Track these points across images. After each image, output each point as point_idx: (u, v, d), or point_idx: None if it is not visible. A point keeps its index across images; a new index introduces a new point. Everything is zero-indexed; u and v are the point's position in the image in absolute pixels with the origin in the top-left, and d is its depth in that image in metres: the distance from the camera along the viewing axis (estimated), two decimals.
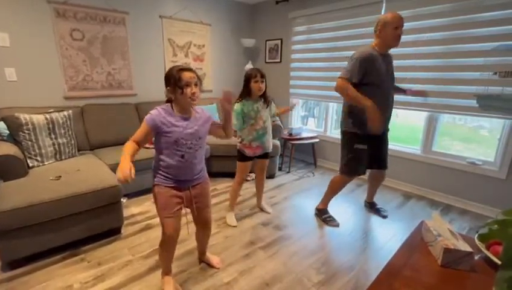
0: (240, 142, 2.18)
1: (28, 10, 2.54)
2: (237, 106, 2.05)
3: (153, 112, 1.34)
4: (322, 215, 2.42)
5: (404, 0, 2.75)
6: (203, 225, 1.67)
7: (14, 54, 2.52)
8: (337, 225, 2.32)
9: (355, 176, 2.25)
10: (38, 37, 2.62)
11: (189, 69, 1.34)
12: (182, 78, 1.30)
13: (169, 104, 1.39)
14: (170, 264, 1.60)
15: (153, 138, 1.39)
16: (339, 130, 2.30)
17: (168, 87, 1.34)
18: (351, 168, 2.21)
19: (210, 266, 1.79)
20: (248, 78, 2.02)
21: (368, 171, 2.38)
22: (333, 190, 2.37)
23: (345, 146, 2.22)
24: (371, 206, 2.62)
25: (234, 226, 2.26)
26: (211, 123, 1.52)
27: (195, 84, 1.34)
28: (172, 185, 1.43)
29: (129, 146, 1.30)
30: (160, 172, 1.42)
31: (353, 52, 2.07)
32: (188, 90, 1.31)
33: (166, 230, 1.44)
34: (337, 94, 2.31)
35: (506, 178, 2.40)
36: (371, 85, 2.00)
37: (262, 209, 2.54)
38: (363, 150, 2.15)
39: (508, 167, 2.38)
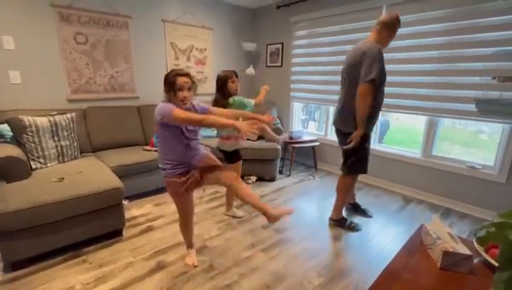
0: (220, 139, 2.21)
1: (33, 14, 2.57)
2: (237, 99, 2.10)
3: (167, 104, 1.47)
4: (345, 223, 2.31)
5: (404, 5, 2.78)
6: (231, 184, 1.59)
7: (18, 57, 2.55)
8: (361, 228, 2.31)
9: (361, 173, 2.21)
10: (43, 40, 2.65)
11: (185, 74, 1.50)
12: (176, 82, 1.46)
13: (170, 102, 1.53)
14: (190, 239, 1.88)
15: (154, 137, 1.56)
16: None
17: (165, 88, 1.51)
18: (361, 167, 2.17)
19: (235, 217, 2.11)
20: (225, 80, 2.06)
21: None
22: (346, 194, 2.28)
23: (355, 146, 2.09)
24: (355, 208, 2.60)
25: (241, 217, 2.42)
26: (208, 111, 1.68)
27: (189, 89, 1.50)
28: (179, 173, 1.58)
29: (218, 116, 1.63)
30: (166, 163, 1.59)
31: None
32: (180, 94, 1.48)
33: (179, 211, 1.75)
34: (337, 98, 2.32)
35: (506, 182, 2.41)
36: (379, 84, 1.91)
37: (233, 216, 2.45)
38: (368, 149, 2.17)
39: (507, 171, 2.40)
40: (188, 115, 1.45)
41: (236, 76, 2.12)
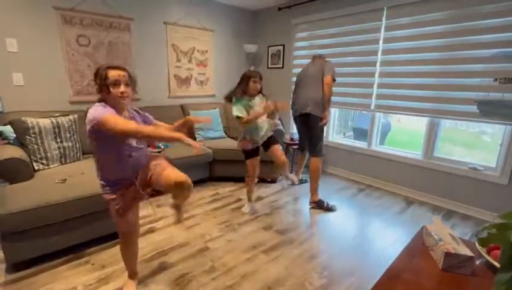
0: (239, 141, 2.43)
1: (36, 16, 2.59)
2: (235, 102, 2.24)
3: (97, 107, 1.23)
4: (323, 204, 2.66)
5: (404, 7, 2.79)
6: (176, 183, 1.35)
7: (21, 59, 2.57)
8: (336, 209, 2.66)
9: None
10: (45, 42, 2.68)
11: (119, 67, 1.28)
12: (108, 76, 1.24)
13: (102, 104, 1.28)
14: (134, 265, 1.60)
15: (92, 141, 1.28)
16: (341, 135, 2.42)
17: (96, 86, 1.28)
18: (323, 149, 2.69)
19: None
20: (248, 77, 2.23)
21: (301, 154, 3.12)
22: (319, 176, 2.69)
23: (321, 132, 2.64)
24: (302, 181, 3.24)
25: (245, 213, 2.53)
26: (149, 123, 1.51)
27: (126, 84, 1.29)
28: (119, 187, 1.36)
29: (148, 127, 1.36)
30: (104, 178, 1.36)
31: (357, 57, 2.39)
32: (115, 90, 1.25)
33: (120, 229, 1.46)
34: (338, 100, 2.40)
35: (508, 184, 2.41)
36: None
37: (287, 176, 2.85)
38: None
39: (509, 172, 2.39)
40: (125, 123, 1.20)
41: (261, 78, 2.30)
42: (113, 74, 1.25)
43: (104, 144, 1.29)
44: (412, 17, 2.75)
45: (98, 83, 1.27)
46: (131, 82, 1.32)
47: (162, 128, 1.47)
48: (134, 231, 1.52)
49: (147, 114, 1.55)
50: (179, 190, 1.34)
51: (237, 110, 2.22)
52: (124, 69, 1.30)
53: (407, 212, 2.69)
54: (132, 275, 1.62)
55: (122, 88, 1.26)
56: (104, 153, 1.33)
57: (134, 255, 1.59)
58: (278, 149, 2.44)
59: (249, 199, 2.64)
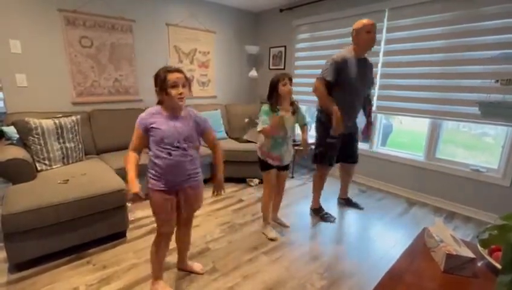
0: (260, 149, 2.09)
1: (40, 18, 2.62)
2: (265, 106, 2.00)
3: (142, 114, 1.39)
4: (319, 213, 2.55)
5: (406, 9, 2.79)
6: (184, 223, 1.65)
7: (25, 60, 2.59)
8: (334, 220, 2.48)
9: (327, 166, 2.44)
10: (49, 44, 2.70)
11: (177, 70, 1.36)
12: (168, 79, 1.32)
13: (159, 106, 1.41)
14: (162, 266, 1.62)
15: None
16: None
17: (156, 88, 1.37)
18: (322, 159, 2.41)
19: (193, 273, 1.77)
20: (276, 83, 1.94)
21: (338, 166, 2.67)
22: (317, 186, 2.54)
23: (320, 135, 2.42)
24: (347, 203, 2.79)
25: (275, 239, 2.15)
26: (207, 131, 1.53)
27: (183, 85, 1.35)
28: (163, 189, 1.43)
29: (130, 159, 1.39)
30: (151, 173, 1.44)
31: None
32: (174, 91, 1.33)
33: (163, 230, 1.50)
34: None
35: (510, 185, 2.39)
36: (340, 86, 2.25)
37: (278, 223, 2.38)
38: (333, 144, 2.37)
39: (511, 174, 2.38)
40: (126, 157, 1.38)
41: (290, 78, 1.96)
42: (171, 76, 1.32)
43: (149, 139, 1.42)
44: (414, 19, 2.75)
45: (159, 85, 1.35)
46: (187, 84, 1.39)
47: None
48: (171, 232, 1.56)
49: (204, 120, 1.52)
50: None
51: (261, 123, 1.97)
52: (180, 72, 1.37)
53: (409, 213, 2.68)
54: (160, 276, 1.62)
55: (180, 89, 1.34)
56: (151, 148, 1.42)
57: (165, 255, 1.62)
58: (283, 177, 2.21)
59: (266, 219, 2.24)
